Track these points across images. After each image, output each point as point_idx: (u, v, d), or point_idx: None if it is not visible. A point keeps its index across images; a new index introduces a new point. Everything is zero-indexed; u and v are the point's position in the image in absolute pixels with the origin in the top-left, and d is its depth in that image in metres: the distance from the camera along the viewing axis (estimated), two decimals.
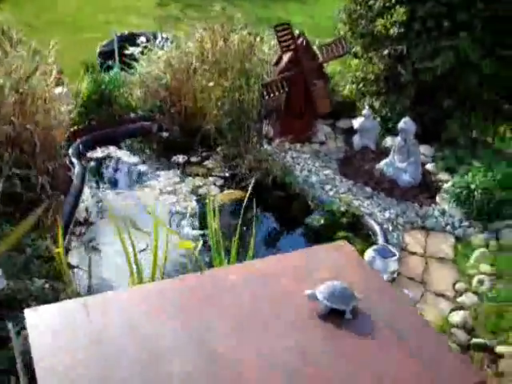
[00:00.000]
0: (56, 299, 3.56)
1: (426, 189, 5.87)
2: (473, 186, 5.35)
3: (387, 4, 6.08)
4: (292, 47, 6.09)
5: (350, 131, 6.78)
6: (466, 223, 5.35)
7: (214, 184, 5.67)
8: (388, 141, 6.69)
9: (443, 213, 5.48)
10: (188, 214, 5.05)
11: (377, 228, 5.06)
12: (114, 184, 5.82)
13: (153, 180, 5.68)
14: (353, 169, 6.14)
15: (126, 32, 8.57)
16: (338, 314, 2.69)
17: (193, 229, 4.90)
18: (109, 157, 6.17)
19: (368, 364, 2.43)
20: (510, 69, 5.97)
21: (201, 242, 3.91)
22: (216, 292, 2.87)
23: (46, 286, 3.72)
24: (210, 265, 4.02)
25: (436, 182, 6.01)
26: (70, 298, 3.42)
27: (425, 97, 6.37)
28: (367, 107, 6.52)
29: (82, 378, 2.33)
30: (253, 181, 4.41)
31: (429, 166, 6.17)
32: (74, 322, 2.63)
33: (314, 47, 6.44)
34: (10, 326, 2.73)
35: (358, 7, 6.44)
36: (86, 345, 2.49)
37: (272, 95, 5.99)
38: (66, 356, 2.42)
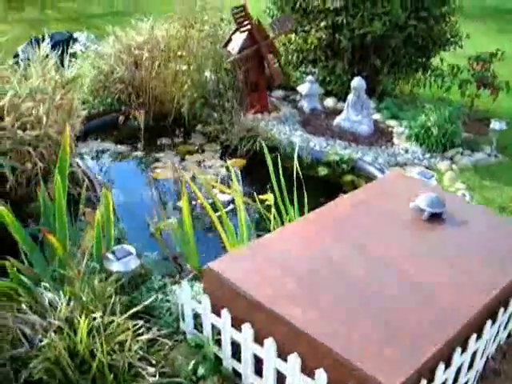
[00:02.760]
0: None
1: (382, 134, 6.89)
2: (429, 124, 6.44)
3: None
4: (248, 27, 6.75)
5: (288, 98, 7.70)
6: (427, 155, 6.44)
7: (213, 157, 6.19)
8: (329, 101, 7.64)
9: (407, 150, 6.53)
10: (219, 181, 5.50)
11: (372, 168, 5.96)
12: (126, 173, 6.07)
13: (158, 163, 6.05)
14: (314, 128, 6.99)
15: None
16: (436, 217, 3.69)
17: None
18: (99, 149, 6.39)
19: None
20: (426, 27, 7.16)
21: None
22: (341, 218, 3.75)
23: None
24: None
25: (387, 128, 7.05)
26: None
27: (358, 59, 7.37)
28: (310, 75, 7.39)
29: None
30: (265, 149, 4.52)
31: (375, 116, 7.19)
32: (259, 259, 3.28)
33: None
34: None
35: None
36: (279, 272, 3.15)
37: (239, 72, 6.62)
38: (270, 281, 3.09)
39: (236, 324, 3.11)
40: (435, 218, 3.72)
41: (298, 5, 7.32)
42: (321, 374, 2.69)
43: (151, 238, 4.42)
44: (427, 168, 6.18)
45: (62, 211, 3.72)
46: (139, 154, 6.29)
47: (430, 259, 3.35)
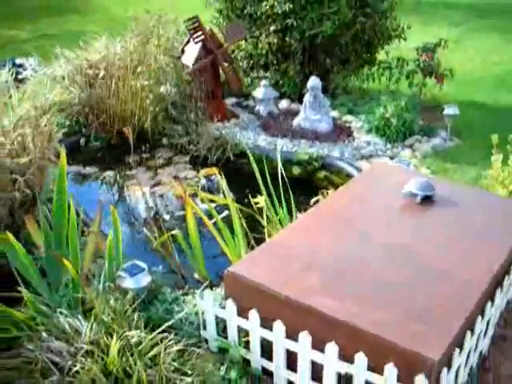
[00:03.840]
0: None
1: (341, 130, 7.11)
2: (387, 115, 6.71)
3: None
4: (202, 37, 6.85)
5: (241, 105, 7.88)
6: (389, 146, 6.71)
7: (185, 169, 6.25)
8: (284, 103, 7.83)
9: (369, 143, 6.77)
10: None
11: (341, 163, 6.16)
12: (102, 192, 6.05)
13: (130, 180, 6.06)
14: (275, 130, 7.13)
15: None
16: (428, 199, 3.94)
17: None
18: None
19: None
20: (372, 24, 7.46)
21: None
22: (341, 210, 3.96)
23: None
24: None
25: (344, 124, 7.29)
26: None
27: (308, 60, 7.59)
28: (264, 79, 7.56)
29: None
30: (251, 157, 4.54)
31: (332, 113, 7.41)
32: (276, 258, 3.42)
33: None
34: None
35: None
36: (299, 267, 3.30)
37: (197, 82, 6.72)
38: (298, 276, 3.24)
39: (263, 324, 3.20)
40: (427, 200, 3.94)
41: (244, 11, 7.46)
42: (360, 357, 2.83)
43: (145, 252, 4.47)
44: (391, 158, 6.44)
45: (74, 236, 3.73)
46: (110, 173, 6.26)
47: (433, 239, 3.56)
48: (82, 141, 6.98)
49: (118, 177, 6.22)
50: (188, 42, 6.97)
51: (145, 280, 3.73)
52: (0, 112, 4.92)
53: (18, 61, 8.88)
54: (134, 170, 6.29)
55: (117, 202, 5.78)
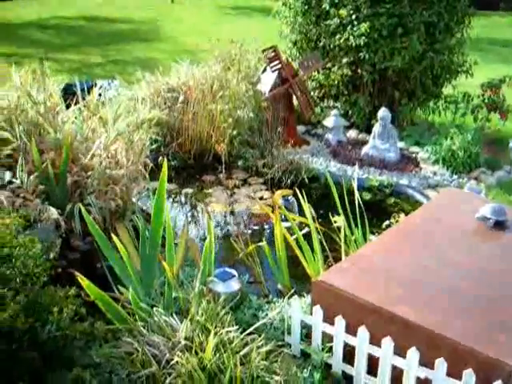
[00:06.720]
0: None
1: (408, 160, 7.36)
2: (454, 148, 6.94)
3: (344, 22, 7.50)
4: (279, 66, 7.23)
5: (310, 132, 8.27)
6: (454, 176, 6.91)
7: (260, 190, 6.60)
8: (352, 133, 8.14)
9: (435, 173, 7.00)
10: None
11: (411, 191, 6.41)
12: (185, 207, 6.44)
13: (208, 198, 6.44)
14: (344, 158, 7.42)
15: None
16: (500, 224, 4.16)
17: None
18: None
19: None
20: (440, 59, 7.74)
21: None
22: (418, 231, 4.26)
23: None
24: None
25: (411, 154, 7.54)
26: None
27: (377, 92, 7.90)
28: (335, 109, 7.90)
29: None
30: (330, 180, 4.85)
31: (399, 144, 7.67)
32: (360, 269, 3.74)
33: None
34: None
35: (313, 28, 7.79)
36: (382, 279, 3.61)
37: (272, 109, 7.08)
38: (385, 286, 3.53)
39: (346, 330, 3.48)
40: (499, 225, 4.17)
41: (318, 44, 7.84)
42: (440, 364, 3.06)
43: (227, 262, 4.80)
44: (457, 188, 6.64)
45: (171, 242, 4.09)
46: (189, 190, 6.65)
47: (506, 260, 3.80)
48: (161, 159, 7.38)
49: (196, 194, 6.58)
50: (265, 69, 7.36)
51: (235, 286, 4.05)
52: (97, 128, 5.39)
53: (100, 82, 9.42)
54: (211, 189, 6.64)
55: (197, 216, 6.13)
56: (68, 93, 7.52)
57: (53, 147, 4.90)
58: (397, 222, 4.96)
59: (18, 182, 4.55)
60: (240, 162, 7.12)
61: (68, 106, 5.64)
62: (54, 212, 4.52)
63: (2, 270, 3.07)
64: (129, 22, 19.51)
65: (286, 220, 4.86)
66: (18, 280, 3.16)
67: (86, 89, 7.12)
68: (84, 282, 3.67)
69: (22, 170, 4.61)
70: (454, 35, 7.98)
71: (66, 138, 4.83)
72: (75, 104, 5.59)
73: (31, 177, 4.62)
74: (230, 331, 3.60)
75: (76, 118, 5.44)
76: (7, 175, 4.58)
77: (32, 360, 3.03)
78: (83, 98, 5.68)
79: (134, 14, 20.70)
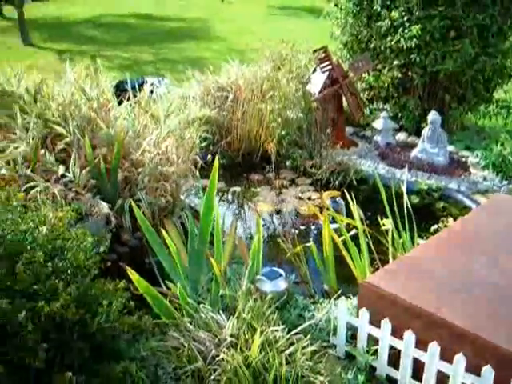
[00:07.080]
0: None
1: (458, 165, 7.26)
2: (505, 153, 6.82)
3: (395, 24, 7.45)
4: (329, 67, 7.23)
5: (358, 134, 8.23)
6: (505, 182, 6.79)
7: (308, 190, 6.61)
8: (401, 136, 8.07)
9: (485, 178, 6.89)
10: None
11: (460, 195, 6.33)
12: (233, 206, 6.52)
13: (256, 197, 6.48)
14: (393, 160, 7.37)
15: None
16: None
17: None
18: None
19: None
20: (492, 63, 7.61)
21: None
22: (468, 235, 4.21)
23: None
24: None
25: (461, 159, 7.44)
26: None
27: (427, 95, 7.82)
28: (384, 111, 7.85)
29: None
30: (380, 183, 4.86)
31: (448, 148, 7.57)
32: (408, 273, 3.72)
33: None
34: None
35: (364, 29, 7.76)
36: (430, 283, 3.57)
37: (321, 110, 7.08)
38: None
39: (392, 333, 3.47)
40: None
41: (369, 45, 7.81)
42: (487, 370, 3.03)
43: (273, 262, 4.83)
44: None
45: (219, 239, 4.14)
46: (237, 189, 6.70)
47: None
48: (209, 157, 7.45)
49: (244, 193, 6.63)
50: (315, 70, 7.37)
51: (282, 285, 4.07)
52: (149, 124, 5.47)
53: (151, 80, 9.56)
54: (259, 188, 6.68)
55: (244, 215, 6.18)
56: (120, 89, 7.69)
57: (105, 143, 4.99)
58: (445, 226, 4.91)
59: (71, 176, 4.64)
60: (288, 162, 7.14)
61: (120, 103, 5.73)
62: (104, 206, 4.60)
63: (54, 262, 3.14)
64: (179, 20, 19.74)
65: (334, 221, 4.86)
66: (69, 272, 3.22)
67: (136, 86, 7.30)
68: (134, 275, 3.74)
69: (74, 165, 4.71)
70: (508, 39, 7.83)
71: (119, 133, 4.92)
72: (127, 100, 5.67)
73: (83, 171, 4.70)
74: (276, 330, 3.62)
75: (128, 114, 5.53)
76: (61, 169, 4.68)
77: (81, 351, 3.09)
78: (134, 96, 5.77)
79: (184, 14, 20.93)
